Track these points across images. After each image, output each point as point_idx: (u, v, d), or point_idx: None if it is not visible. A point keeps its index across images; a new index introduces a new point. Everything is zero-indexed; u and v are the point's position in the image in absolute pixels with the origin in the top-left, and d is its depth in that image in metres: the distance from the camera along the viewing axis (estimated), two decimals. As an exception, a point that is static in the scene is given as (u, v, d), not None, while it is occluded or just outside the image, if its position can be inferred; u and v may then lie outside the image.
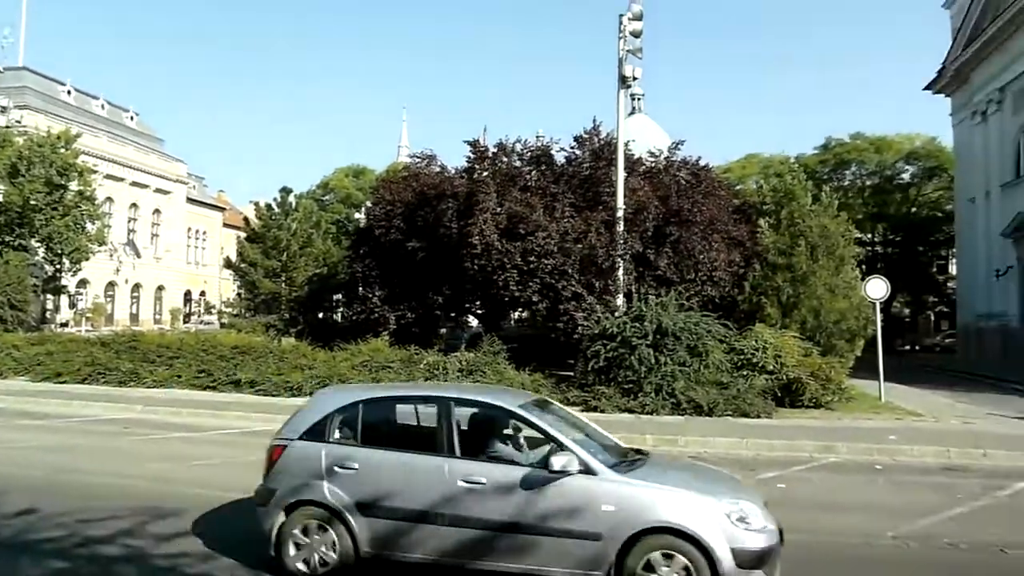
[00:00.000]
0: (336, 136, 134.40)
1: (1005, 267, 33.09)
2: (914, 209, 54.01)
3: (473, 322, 29.28)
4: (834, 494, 9.83)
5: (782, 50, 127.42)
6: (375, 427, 6.47)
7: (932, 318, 62.02)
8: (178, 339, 21.83)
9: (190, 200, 68.42)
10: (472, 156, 22.33)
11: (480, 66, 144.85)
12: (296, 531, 6.07)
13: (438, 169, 23.53)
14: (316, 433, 6.33)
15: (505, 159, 22.22)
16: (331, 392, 7.35)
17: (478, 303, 24.83)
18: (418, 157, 24.66)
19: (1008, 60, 33.03)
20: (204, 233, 72.20)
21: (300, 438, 6.34)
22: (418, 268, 22.01)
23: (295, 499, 6.13)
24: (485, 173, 21.57)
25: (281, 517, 6.12)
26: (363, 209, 35.27)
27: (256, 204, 37.47)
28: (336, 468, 6.09)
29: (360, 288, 24.32)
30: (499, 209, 19.72)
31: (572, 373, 19.15)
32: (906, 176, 54.89)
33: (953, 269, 48.31)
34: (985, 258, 35.25)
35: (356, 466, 6.07)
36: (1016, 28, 31.88)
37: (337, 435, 6.35)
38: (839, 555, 7.11)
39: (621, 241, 19.47)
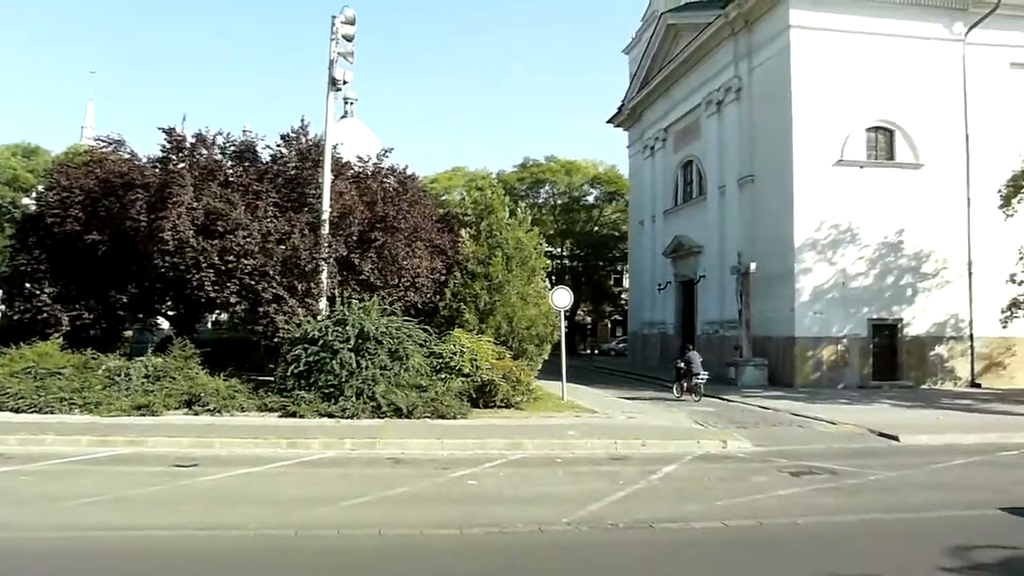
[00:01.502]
0: (5, 109, 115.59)
1: (665, 282, 38.19)
2: (597, 228, 59.94)
3: (164, 324, 27.03)
4: (519, 487, 10.58)
5: (491, 70, 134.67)
6: None
7: (610, 325, 69.46)
8: None
9: None
10: (167, 145, 20.63)
11: (182, 53, 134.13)
12: None
13: (127, 156, 21.35)
14: None
15: (205, 151, 20.85)
16: None
17: (170, 303, 22.99)
18: (103, 141, 22.16)
19: (670, 106, 38.26)
20: None
21: None
22: (99, 263, 19.82)
23: None
24: (182, 164, 20.04)
25: None
26: (34, 194, 30.78)
27: None
28: None
29: (26, 284, 21.24)
30: (196, 204, 18.47)
31: (272, 378, 18.54)
32: (591, 198, 60.74)
33: (627, 282, 54.44)
34: (651, 274, 40.35)
35: None
36: (676, 80, 37.09)
37: None
38: (519, 543, 7.71)
39: (326, 244, 19.27)
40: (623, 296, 58.03)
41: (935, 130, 27.31)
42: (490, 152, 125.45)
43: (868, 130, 27.39)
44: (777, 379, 26.91)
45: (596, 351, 60.01)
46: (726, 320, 30.51)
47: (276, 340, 18.83)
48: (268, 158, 21.62)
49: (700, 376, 22.80)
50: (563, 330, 22.37)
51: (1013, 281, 24.00)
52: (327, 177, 19.53)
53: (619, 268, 59.02)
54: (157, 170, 20.20)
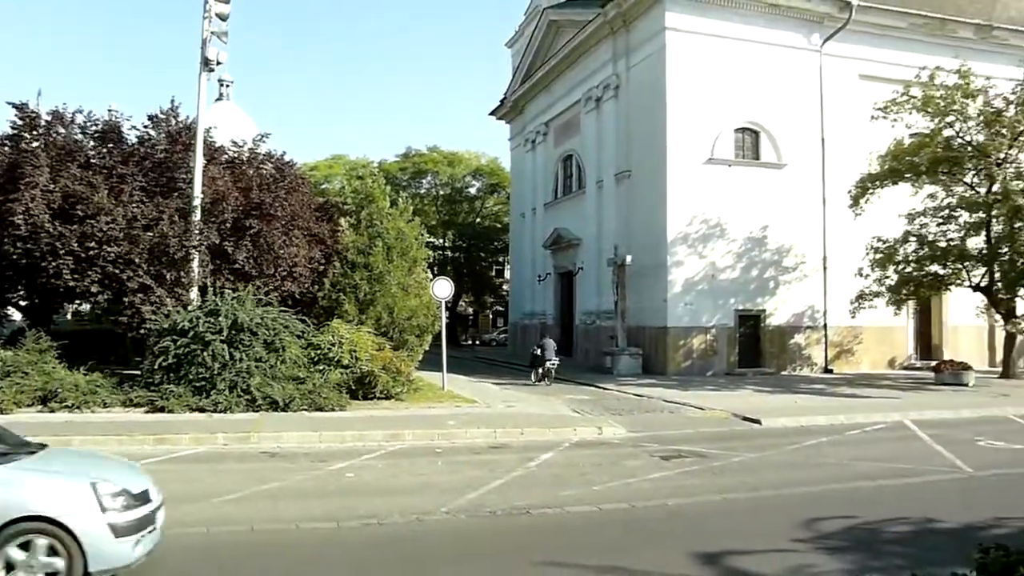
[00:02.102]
0: None
1: (545, 273, 38.87)
2: (479, 219, 60.15)
3: (16, 315, 25.14)
4: (398, 478, 10.60)
5: (374, 58, 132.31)
6: None
7: (491, 316, 70.03)
8: None
9: None
10: (19, 122, 19.14)
11: (39, 18, 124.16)
12: None
13: (-29, 132, 19.72)
14: None
15: (63, 130, 19.49)
16: None
17: (22, 293, 21.40)
18: (-58, 116, 20.41)
19: (552, 100, 38.87)
20: None
21: None
22: (-63, 249, 18.22)
23: None
24: (36, 144, 18.69)
25: None
26: None
27: None
28: None
29: None
30: (53, 186, 17.27)
31: (139, 372, 17.64)
32: (473, 190, 60.87)
33: (508, 274, 55.02)
34: (531, 265, 40.95)
35: None
36: (557, 75, 37.68)
37: None
38: (397, 534, 7.73)
39: (197, 231, 18.47)
40: (504, 287, 58.60)
41: (796, 133, 29.05)
42: (372, 141, 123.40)
43: (736, 131, 28.80)
44: (651, 367, 27.94)
45: (478, 342, 60.38)
46: (603, 311, 31.39)
47: (143, 332, 17.92)
48: (135, 140, 20.47)
49: (551, 362, 25.02)
50: (444, 321, 22.42)
51: (860, 275, 25.98)
52: (199, 161, 18.72)
53: (501, 259, 59.50)
54: (7, 149, 18.76)
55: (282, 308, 18.32)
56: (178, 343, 16.16)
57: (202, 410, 15.35)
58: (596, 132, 33.35)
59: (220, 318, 16.40)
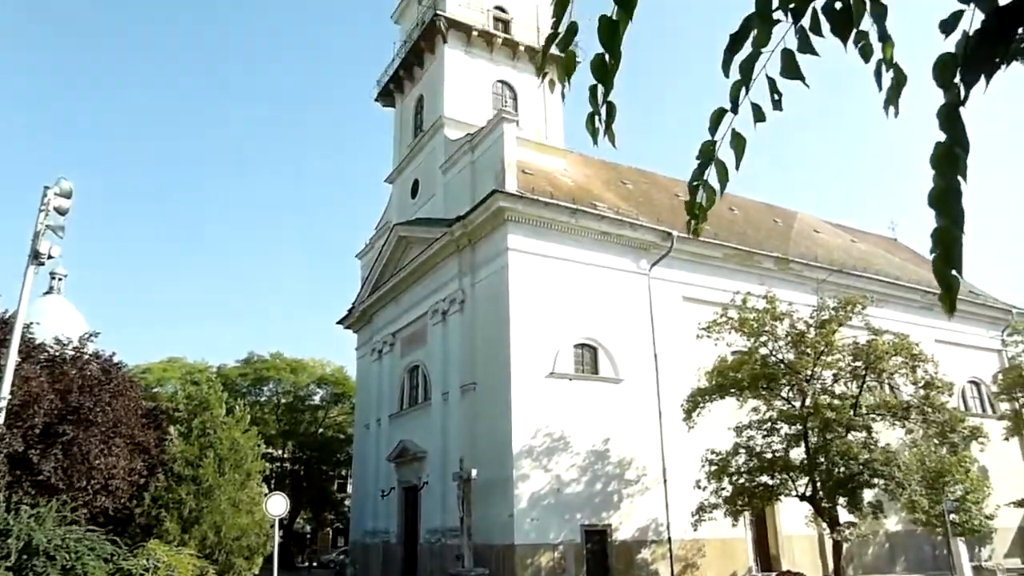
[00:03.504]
0: None
1: (389, 488, 37.28)
2: (322, 430, 58.05)
3: None
4: None
5: (219, 262, 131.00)
6: None
7: (331, 534, 65.52)
8: None
9: None
10: None
11: None
12: None
13: None
14: None
15: None
16: None
17: None
18: None
19: (399, 311, 39.52)
20: None
21: None
22: None
23: None
24: None
25: None
26: None
27: None
28: None
29: None
30: None
31: None
32: (317, 398, 59.30)
33: (350, 488, 52.39)
34: (375, 479, 39.24)
35: None
36: (405, 288, 38.68)
37: None
38: None
39: (-2, 438, 16.56)
40: (346, 502, 55.64)
41: (631, 349, 30.79)
42: (213, 345, 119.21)
43: (576, 346, 30.14)
44: (498, 588, 26.64)
45: (315, 563, 55.97)
46: (449, 528, 30.11)
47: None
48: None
49: None
50: (277, 540, 20.72)
51: (698, 487, 26.73)
52: (12, 359, 17.10)
53: (343, 473, 57.02)
54: None
55: (91, 527, 16.31)
56: (-51, 572, 13.85)
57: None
58: (442, 344, 33.84)
59: (10, 540, 14.31)
